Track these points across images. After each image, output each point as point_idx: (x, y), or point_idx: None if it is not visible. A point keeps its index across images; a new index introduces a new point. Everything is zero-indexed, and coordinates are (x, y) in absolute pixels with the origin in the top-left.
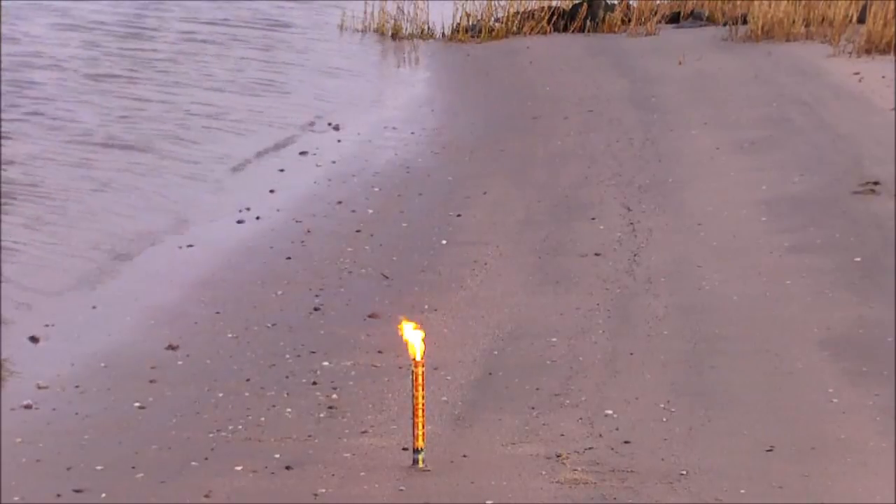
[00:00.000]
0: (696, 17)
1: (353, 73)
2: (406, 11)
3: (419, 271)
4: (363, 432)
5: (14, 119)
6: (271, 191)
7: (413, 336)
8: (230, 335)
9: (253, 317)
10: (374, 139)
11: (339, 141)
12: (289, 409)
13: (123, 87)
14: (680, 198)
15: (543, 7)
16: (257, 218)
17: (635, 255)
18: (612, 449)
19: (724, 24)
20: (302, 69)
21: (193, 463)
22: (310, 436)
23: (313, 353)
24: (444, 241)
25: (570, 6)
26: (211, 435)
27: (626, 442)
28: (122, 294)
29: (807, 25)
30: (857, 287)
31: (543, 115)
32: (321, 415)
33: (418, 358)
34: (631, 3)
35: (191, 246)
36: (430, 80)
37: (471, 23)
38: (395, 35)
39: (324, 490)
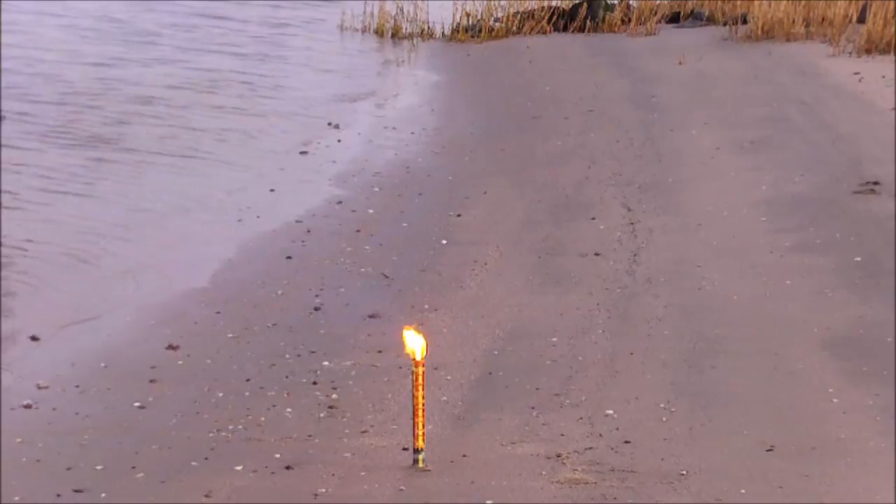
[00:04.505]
0: (696, 17)
1: (352, 72)
2: (406, 11)
3: (419, 271)
4: (363, 432)
5: (8, 119)
6: (271, 190)
7: (415, 342)
8: (230, 335)
9: (253, 317)
10: (374, 139)
11: (339, 141)
12: (289, 409)
13: (114, 92)
14: (680, 198)
15: (543, 7)
16: (257, 218)
17: (635, 255)
18: (612, 449)
19: (725, 24)
20: (302, 69)
21: (193, 463)
22: (310, 436)
23: (313, 353)
24: (444, 241)
25: (570, 6)
26: (211, 435)
27: (626, 442)
28: (123, 294)
29: (807, 25)
30: (857, 287)
31: (543, 115)
32: (321, 415)
33: (418, 358)
34: (631, 3)
35: (190, 246)
36: (430, 80)
37: (471, 23)
38: (395, 35)
39: (324, 490)
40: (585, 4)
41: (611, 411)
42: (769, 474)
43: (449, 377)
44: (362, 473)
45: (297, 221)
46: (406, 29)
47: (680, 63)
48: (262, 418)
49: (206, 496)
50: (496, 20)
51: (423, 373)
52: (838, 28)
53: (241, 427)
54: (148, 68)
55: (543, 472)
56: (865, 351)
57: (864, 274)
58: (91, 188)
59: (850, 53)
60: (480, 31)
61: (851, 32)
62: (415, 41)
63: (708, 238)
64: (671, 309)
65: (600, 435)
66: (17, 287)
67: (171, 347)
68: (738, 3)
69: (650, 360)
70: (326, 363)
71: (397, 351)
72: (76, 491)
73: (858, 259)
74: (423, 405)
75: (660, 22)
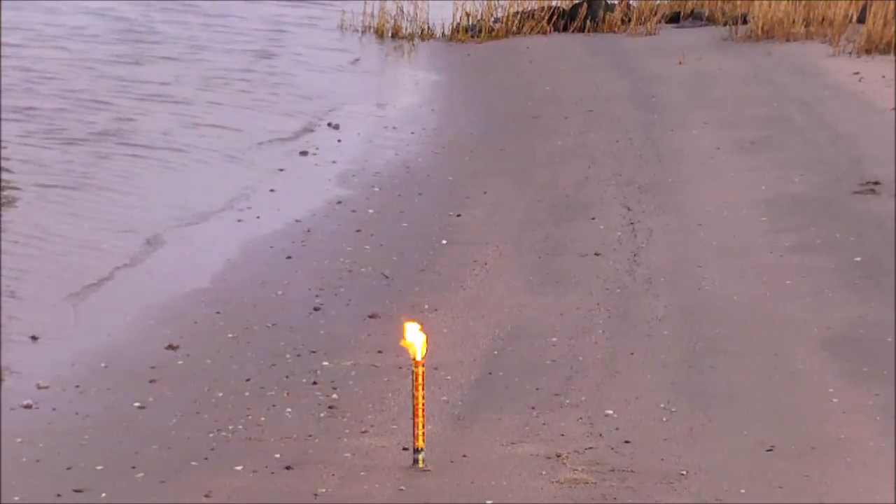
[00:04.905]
0: (696, 17)
1: (353, 73)
2: (406, 11)
3: (419, 271)
4: (363, 432)
5: (9, 119)
6: (271, 190)
7: (416, 337)
8: (230, 335)
9: (253, 317)
10: (374, 139)
11: (339, 141)
12: (289, 409)
13: (117, 90)
14: (680, 198)
15: (543, 7)
16: (257, 218)
17: (635, 255)
18: (612, 449)
19: (725, 24)
20: (302, 69)
21: (193, 463)
22: (310, 436)
23: (313, 353)
24: (444, 241)
25: (570, 6)
26: (211, 435)
27: (626, 442)
28: (123, 294)
29: (807, 25)
30: (857, 287)
31: (543, 115)
32: (321, 415)
33: (419, 358)
34: (631, 3)
35: (191, 246)
36: (430, 80)
37: (471, 23)
38: (395, 35)
39: (324, 490)
40: (585, 4)
41: (611, 411)
42: (769, 474)
43: (449, 377)
44: (362, 473)
45: (297, 221)
46: (406, 29)
47: (680, 63)
48: (262, 418)
49: (206, 496)
50: (496, 20)
51: (423, 373)
52: (838, 28)
53: (241, 427)
54: (151, 66)
55: (543, 472)
56: (865, 351)
57: (864, 274)
58: (91, 187)
59: (850, 53)
60: (480, 31)
61: (851, 32)
62: (415, 41)
63: (708, 238)
64: (671, 309)
65: (600, 435)
66: (17, 286)
67: (171, 347)
68: (738, 3)
69: (650, 360)
70: (326, 363)
71: (397, 351)
72: (76, 491)
73: (858, 259)
74: (423, 405)
75: (660, 22)
